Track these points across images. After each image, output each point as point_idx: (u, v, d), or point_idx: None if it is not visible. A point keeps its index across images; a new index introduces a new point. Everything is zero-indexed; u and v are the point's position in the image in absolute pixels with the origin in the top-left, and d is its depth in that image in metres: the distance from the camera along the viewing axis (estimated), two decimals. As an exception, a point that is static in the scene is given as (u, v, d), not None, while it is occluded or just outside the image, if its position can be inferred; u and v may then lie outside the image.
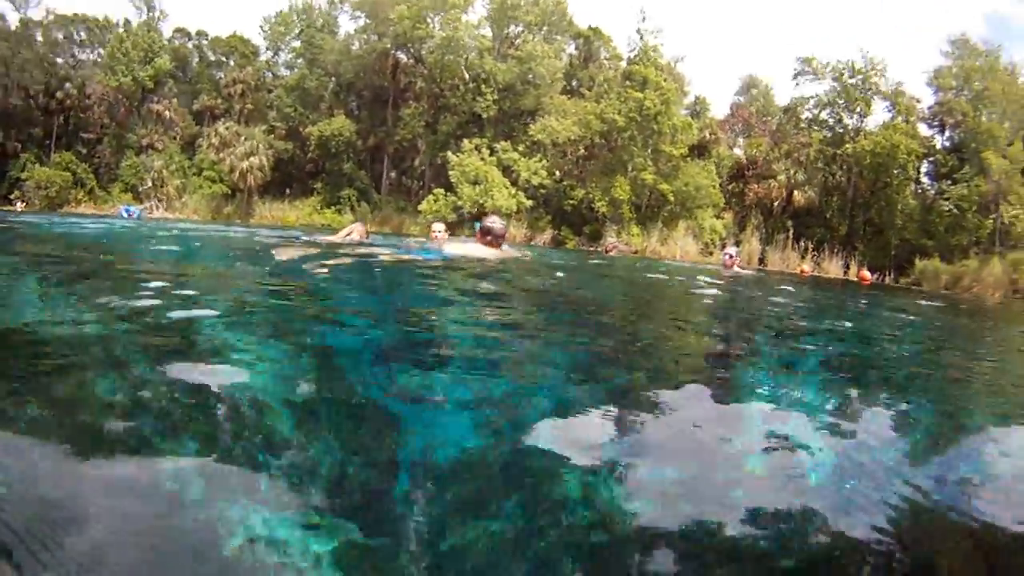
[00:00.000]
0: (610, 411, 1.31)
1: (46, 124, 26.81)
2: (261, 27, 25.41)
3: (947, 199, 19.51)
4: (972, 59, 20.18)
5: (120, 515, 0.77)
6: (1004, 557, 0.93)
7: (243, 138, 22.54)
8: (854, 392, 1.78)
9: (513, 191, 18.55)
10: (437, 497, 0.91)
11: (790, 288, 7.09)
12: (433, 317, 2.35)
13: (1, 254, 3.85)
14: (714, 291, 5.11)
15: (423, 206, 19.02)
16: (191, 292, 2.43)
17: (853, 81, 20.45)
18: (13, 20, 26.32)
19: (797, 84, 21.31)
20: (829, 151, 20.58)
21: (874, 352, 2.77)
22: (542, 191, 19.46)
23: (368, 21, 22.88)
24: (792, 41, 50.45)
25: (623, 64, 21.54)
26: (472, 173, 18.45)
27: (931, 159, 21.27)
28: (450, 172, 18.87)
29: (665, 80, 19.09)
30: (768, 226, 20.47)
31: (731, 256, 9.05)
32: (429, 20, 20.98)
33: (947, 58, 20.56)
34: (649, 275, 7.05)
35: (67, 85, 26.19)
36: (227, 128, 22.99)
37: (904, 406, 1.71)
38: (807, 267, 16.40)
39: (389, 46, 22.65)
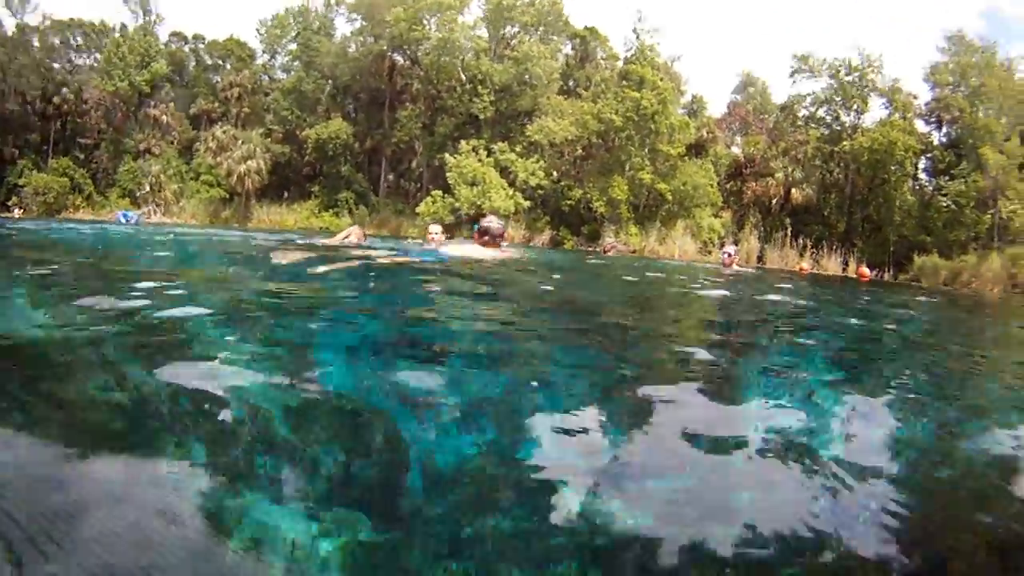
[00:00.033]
0: (609, 409, 1.30)
1: (43, 130, 26.79)
2: (257, 30, 25.45)
3: (945, 195, 19.53)
4: (968, 55, 20.23)
5: (119, 515, 0.76)
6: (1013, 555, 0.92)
7: (240, 142, 22.53)
8: (857, 387, 1.78)
9: (511, 192, 18.55)
10: (435, 502, 0.90)
11: (789, 286, 7.10)
12: (427, 316, 2.37)
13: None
14: (713, 290, 5.11)
15: (421, 208, 19.01)
16: (187, 295, 2.44)
17: (850, 78, 20.46)
18: (10, 25, 26.35)
19: (794, 82, 21.37)
20: (827, 148, 20.59)
21: (876, 348, 2.78)
22: (540, 192, 19.45)
23: (364, 23, 22.88)
24: (789, 39, 50.52)
25: (619, 64, 21.55)
26: (470, 174, 18.44)
27: (928, 155, 21.28)
28: (447, 174, 18.87)
29: (662, 79, 19.10)
30: (766, 224, 20.47)
31: (729, 255, 9.05)
32: (425, 22, 20.98)
33: (943, 54, 20.62)
34: (648, 274, 7.05)
35: (64, 90, 26.18)
36: (224, 132, 22.98)
37: (909, 397, 1.72)
38: (806, 264, 16.41)
39: (385, 48, 22.65)
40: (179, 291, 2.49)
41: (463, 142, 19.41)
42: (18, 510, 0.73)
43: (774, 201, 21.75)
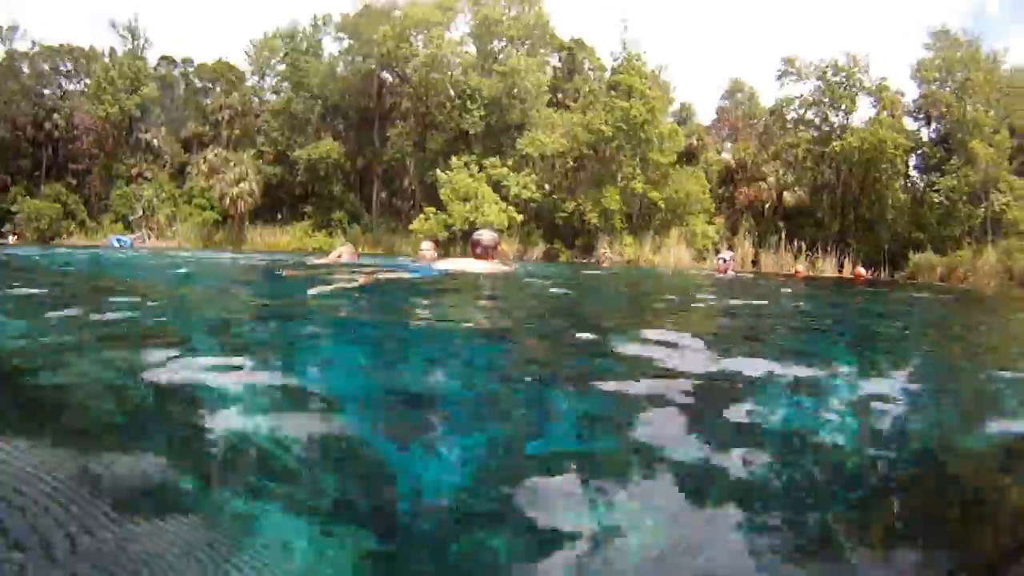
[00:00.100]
0: (608, 419, 1.31)
1: (35, 156, 26.83)
2: (246, 52, 25.49)
3: (937, 191, 19.61)
4: (953, 50, 20.35)
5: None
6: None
7: (232, 164, 22.52)
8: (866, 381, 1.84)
9: (504, 206, 18.55)
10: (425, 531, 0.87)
11: (784, 289, 7.16)
12: (413, 328, 2.48)
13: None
14: (710, 296, 5.12)
15: (414, 225, 19.00)
16: (184, 316, 2.58)
17: (837, 79, 20.56)
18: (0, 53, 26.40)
19: (781, 85, 21.43)
20: (817, 150, 20.66)
21: (877, 346, 2.84)
22: (533, 205, 19.47)
23: (352, 43, 22.93)
24: (775, 44, 50.90)
25: (607, 74, 21.63)
26: (462, 190, 18.45)
27: (919, 152, 21.38)
28: (440, 190, 18.87)
29: (650, 88, 19.17)
30: (760, 228, 20.50)
31: (725, 260, 9.07)
32: (412, 39, 21.03)
33: (929, 50, 20.73)
34: (644, 284, 7.08)
35: (55, 116, 26.22)
36: (216, 155, 22.97)
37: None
38: (801, 267, 16.40)
39: (374, 67, 22.69)
40: (176, 314, 2.64)
41: (454, 158, 19.43)
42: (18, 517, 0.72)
43: (766, 205, 21.79)
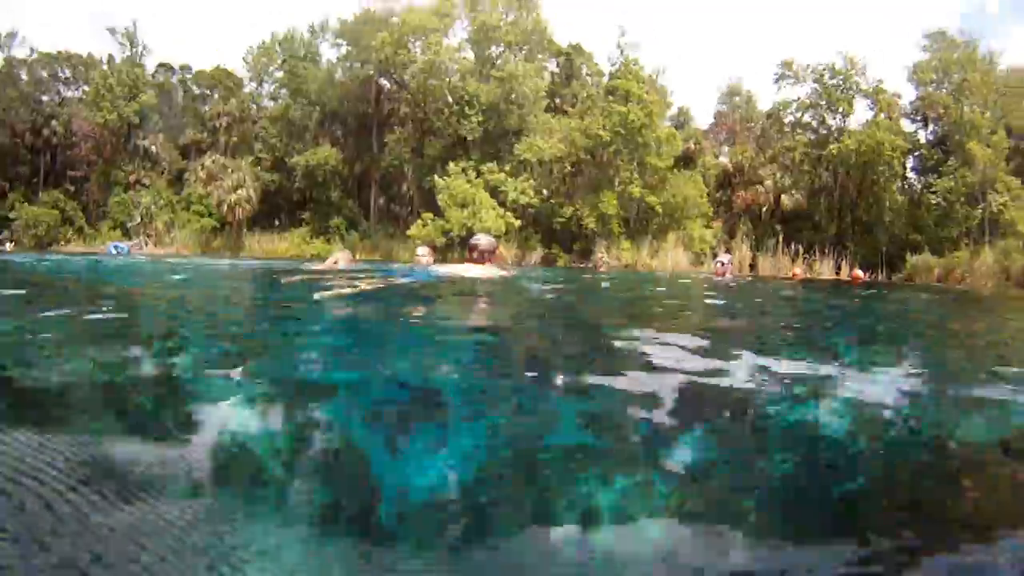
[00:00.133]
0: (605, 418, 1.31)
1: (33, 162, 26.85)
2: (244, 59, 25.54)
3: (934, 192, 19.62)
4: (950, 51, 20.39)
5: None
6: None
7: (230, 171, 22.53)
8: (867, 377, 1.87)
9: (501, 212, 18.56)
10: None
11: (783, 291, 7.17)
12: (412, 328, 2.52)
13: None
14: (708, 298, 5.14)
15: (412, 231, 19.00)
16: (185, 322, 2.60)
17: (834, 82, 20.59)
18: (-2, 59, 26.44)
19: (779, 88, 21.46)
20: (814, 153, 20.67)
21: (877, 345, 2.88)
22: (530, 210, 19.49)
23: (350, 49, 22.96)
24: (772, 47, 51.00)
25: (605, 79, 21.66)
26: (460, 196, 18.46)
27: (916, 154, 21.41)
28: (438, 196, 18.88)
29: (647, 93, 19.20)
30: (757, 232, 20.51)
31: (723, 264, 9.09)
32: (410, 45, 21.06)
33: (925, 52, 20.78)
34: (642, 288, 7.10)
35: (53, 123, 26.25)
36: (214, 161, 22.99)
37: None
38: (798, 270, 16.43)
39: (372, 73, 22.72)
40: (175, 324, 2.66)
41: (452, 164, 19.45)
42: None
43: (764, 208, 21.80)
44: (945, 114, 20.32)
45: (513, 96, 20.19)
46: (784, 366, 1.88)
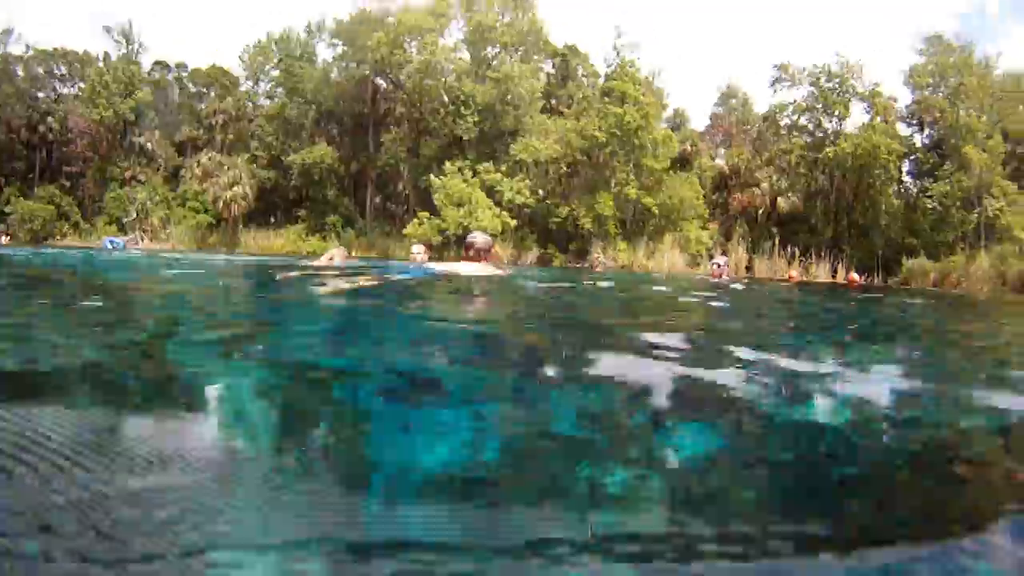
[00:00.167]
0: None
1: (29, 158, 26.78)
2: (240, 57, 25.50)
3: (930, 196, 19.66)
4: (946, 55, 20.45)
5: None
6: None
7: (226, 168, 22.50)
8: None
9: (497, 211, 18.54)
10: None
11: (779, 294, 7.17)
12: (408, 321, 2.54)
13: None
14: (706, 301, 5.13)
15: (408, 230, 18.96)
16: (181, 311, 2.61)
17: (830, 85, 20.64)
18: (-7, 56, 26.36)
19: (775, 91, 21.51)
20: (810, 156, 20.70)
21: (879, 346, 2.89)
22: (527, 210, 19.47)
23: (346, 48, 22.94)
24: (769, 49, 51.15)
25: (601, 81, 21.67)
26: (456, 195, 18.44)
27: (912, 158, 21.46)
28: (434, 195, 18.86)
29: (644, 94, 19.21)
30: (754, 234, 20.52)
31: (719, 265, 9.05)
32: (406, 45, 21.05)
33: (922, 56, 20.83)
34: (639, 289, 7.08)
35: (49, 119, 26.19)
36: (209, 158, 22.95)
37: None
38: (794, 273, 16.41)
39: (368, 73, 22.70)
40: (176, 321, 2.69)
41: (448, 163, 19.43)
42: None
43: (760, 211, 21.81)
44: (941, 118, 20.37)
45: (509, 97, 20.19)
46: (782, 362, 1.90)
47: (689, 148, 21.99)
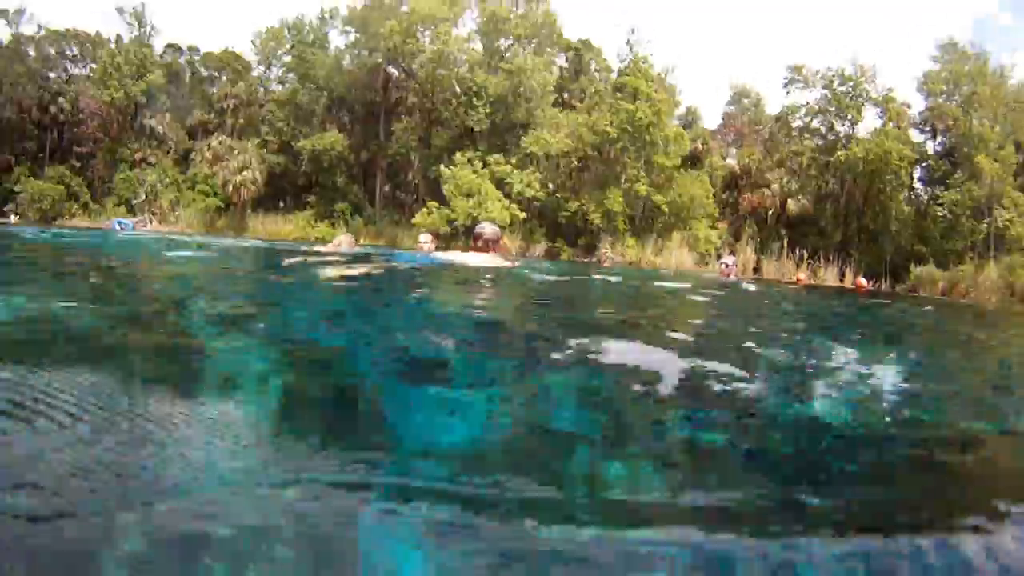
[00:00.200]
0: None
1: (40, 138, 26.85)
2: (253, 42, 25.47)
3: (941, 204, 19.58)
4: (961, 64, 20.33)
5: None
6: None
7: (236, 152, 22.52)
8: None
9: (506, 203, 18.53)
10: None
11: (789, 296, 7.15)
12: (413, 306, 2.55)
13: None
14: (716, 300, 5.13)
15: (417, 219, 18.95)
16: (190, 289, 2.68)
17: (843, 88, 20.55)
18: (5, 35, 26.44)
19: (788, 93, 21.41)
20: (821, 159, 20.63)
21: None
22: (536, 203, 19.45)
23: (359, 36, 22.90)
24: (783, 51, 50.92)
25: (614, 76, 21.62)
26: (465, 186, 18.42)
27: (923, 164, 21.35)
28: (443, 185, 18.84)
29: (656, 91, 19.15)
30: (762, 235, 20.48)
31: (727, 265, 9.02)
32: (419, 35, 21.00)
33: (936, 63, 20.71)
34: (653, 283, 7.09)
35: (60, 100, 26.24)
36: (220, 142, 22.98)
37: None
38: (803, 276, 16.36)
39: (380, 61, 22.67)
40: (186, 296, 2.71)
41: (458, 154, 19.41)
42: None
43: (770, 212, 21.76)
44: (954, 126, 20.27)
45: (521, 89, 20.14)
46: (786, 355, 1.90)
47: (700, 146, 21.93)
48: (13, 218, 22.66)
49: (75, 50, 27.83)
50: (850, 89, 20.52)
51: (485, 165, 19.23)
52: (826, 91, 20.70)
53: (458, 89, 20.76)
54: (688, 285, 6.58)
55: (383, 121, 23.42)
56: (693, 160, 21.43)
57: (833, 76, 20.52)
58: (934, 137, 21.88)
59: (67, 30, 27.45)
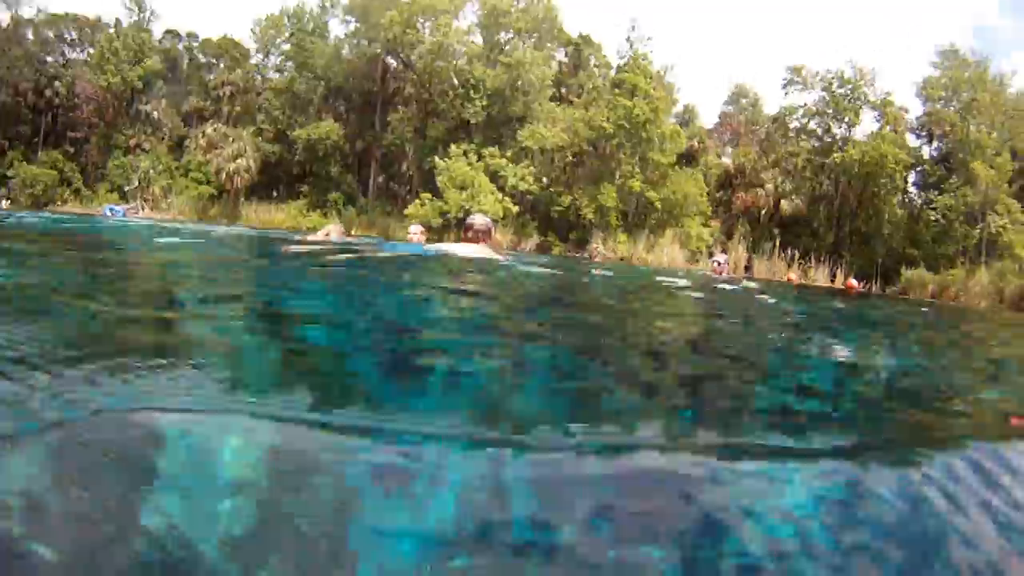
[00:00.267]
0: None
1: (34, 122, 26.64)
2: (252, 30, 25.37)
3: (934, 209, 19.60)
4: (961, 70, 20.35)
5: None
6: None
7: (231, 140, 22.43)
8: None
9: (500, 197, 18.49)
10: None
11: (780, 295, 7.15)
12: (400, 291, 2.60)
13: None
14: (708, 297, 5.14)
15: (410, 210, 18.91)
16: (180, 272, 2.73)
17: (842, 91, 20.56)
18: (4, 18, 26.23)
19: (786, 93, 21.43)
20: (817, 160, 20.65)
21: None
22: (529, 197, 19.43)
23: (358, 26, 22.83)
24: (781, 52, 50.93)
25: (612, 72, 21.59)
26: (459, 178, 18.39)
27: (919, 169, 21.37)
28: (437, 177, 18.80)
29: (654, 88, 19.14)
30: (755, 234, 20.49)
31: (719, 263, 9.00)
32: (419, 26, 20.94)
33: (936, 69, 20.73)
34: (645, 277, 7.09)
35: (56, 84, 26.04)
36: (215, 130, 22.88)
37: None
38: (794, 275, 16.36)
39: (379, 51, 22.60)
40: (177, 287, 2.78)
41: (454, 146, 19.37)
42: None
43: (763, 212, 21.78)
44: (951, 132, 20.29)
45: (519, 83, 20.10)
46: (781, 339, 1.97)
47: (696, 145, 21.93)
48: (4, 203, 22.52)
49: (73, 34, 27.64)
50: (848, 92, 20.54)
51: (480, 158, 19.19)
52: (824, 93, 20.71)
53: (456, 81, 20.72)
54: (685, 282, 6.60)
55: (379, 111, 23.36)
56: (688, 158, 21.43)
57: (832, 78, 20.53)
58: (930, 142, 21.91)
59: (66, 13, 27.28)
